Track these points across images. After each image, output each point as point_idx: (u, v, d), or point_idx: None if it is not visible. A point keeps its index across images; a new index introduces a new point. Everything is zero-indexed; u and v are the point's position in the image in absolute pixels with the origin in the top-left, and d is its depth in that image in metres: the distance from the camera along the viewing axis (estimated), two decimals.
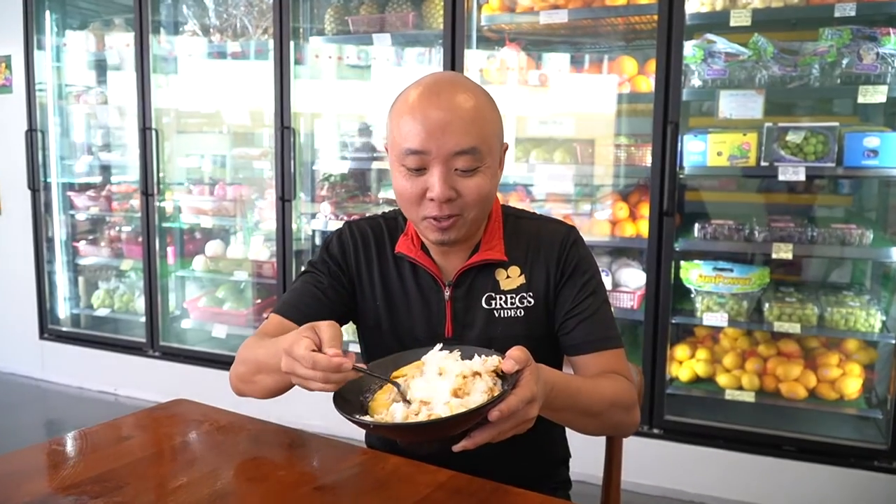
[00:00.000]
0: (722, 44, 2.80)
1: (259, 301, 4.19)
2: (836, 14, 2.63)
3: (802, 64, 2.72)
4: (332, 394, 1.09)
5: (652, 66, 2.92)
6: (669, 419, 2.94)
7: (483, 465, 1.24)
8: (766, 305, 2.89)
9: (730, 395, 2.94)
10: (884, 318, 2.80)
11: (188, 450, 1.27)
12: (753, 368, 2.95)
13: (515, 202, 3.27)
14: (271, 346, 1.22)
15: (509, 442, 1.05)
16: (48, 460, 1.23)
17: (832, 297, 2.95)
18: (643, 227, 3.01)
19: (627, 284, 3.13)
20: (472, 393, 1.04)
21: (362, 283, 1.43)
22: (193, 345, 4.19)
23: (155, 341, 4.18)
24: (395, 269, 1.42)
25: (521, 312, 1.37)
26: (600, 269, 1.49)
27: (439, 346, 1.16)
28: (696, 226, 2.93)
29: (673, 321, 2.96)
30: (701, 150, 2.84)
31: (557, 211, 3.26)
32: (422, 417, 1.02)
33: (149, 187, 4.01)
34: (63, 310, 4.69)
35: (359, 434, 1.20)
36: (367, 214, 1.52)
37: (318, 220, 3.73)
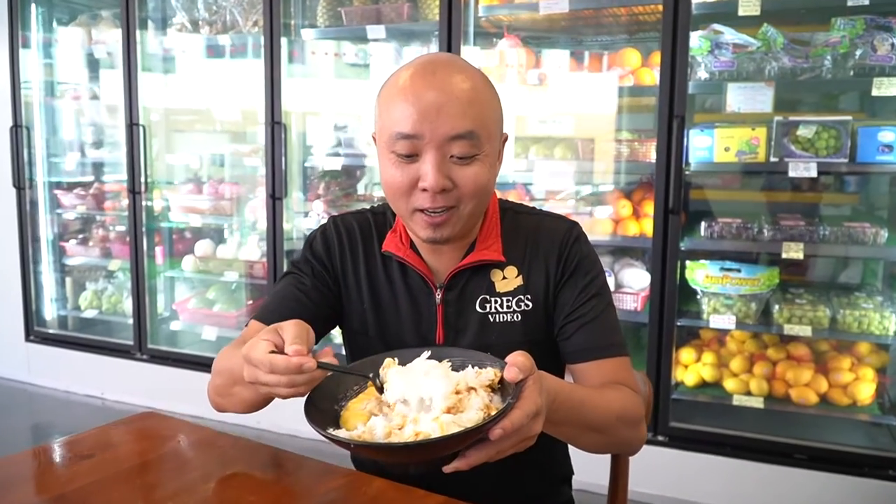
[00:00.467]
0: (730, 34, 2.68)
1: (251, 302, 4.08)
2: (849, 3, 2.52)
3: (814, 55, 2.61)
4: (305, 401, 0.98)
5: (656, 58, 2.80)
6: (675, 426, 2.83)
7: (477, 486, 1.12)
8: (776, 307, 2.78)
9: (737, 400, 2.82)
10: None
11: (150, 471, 1.14)
12: (762, 373, 2.83)
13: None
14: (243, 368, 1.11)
15: (507, 460, 0.93)
16: None
17: (844, 299, 2.84)
18: (647, 226, 2.89)
19: (631, 285, 3.01)
20: (467, 409, 0.92)
21: (348, 284, 1.31)
22: (183, 347, 4.08)
23: (143, 344, 4.06)
24: (382, 268, 1.30)
25: (517, 317, 1.25)
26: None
27: (426, 352, 1.03)
28: (703, 224, 2.81)
29: (678, 323, 2.84)
30: (707, 146, 2.72)
31: (557, 209, 3.13)
32: (408, 434, 0.90)
33: (136, 185, 3.89)
34: (50, 311, 4.58)
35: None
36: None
37: (310, 218, 3.61)
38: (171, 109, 4.15)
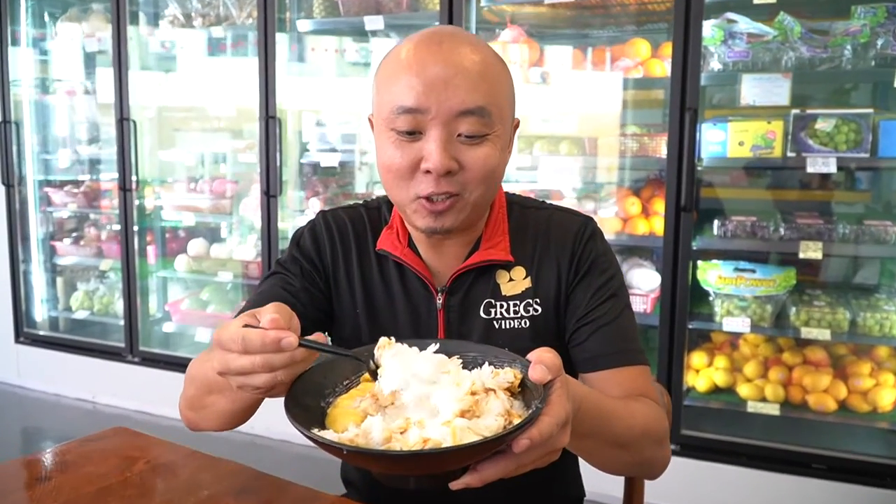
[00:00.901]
0: (744, 23, 2.55)
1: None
2: None
3: (833, 45, 2.48)
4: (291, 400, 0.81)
5: (666, 49, 2.68)
6: (686, 433, 2.70)
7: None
8: (793, 310, 2.65)
9: (752, 407, 2.69)
10: None
11: (108, 500, 1.02)
12: (777, 378, 2.70)
13: None
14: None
15: (515, 479, 0.79)
16: None
17: (863, 301, 2.71)
18: (657, 225, 2.77)
19: (640, 286, 2.88)
20: (484, 414, 0.76)
21: (339, 286, 1.18)
22: (176, 350, 3.96)
23: (134, 346, 3.94)
24: (377, 269, 1.17)
25: (525, 322, 1.12)
26: None
27: (434, 345, 0.87)
28: (716, 223, 2.68)
29: (689, 326, 2.71)
30: (721, 140, 2.59)
31: None
32: (414, 441, 0.73)
33: (126, 182, 3.77)
34: (40, 312, 4.46)
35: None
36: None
37: (307, 216, 3.48)
38: (164, 106, 4.03)
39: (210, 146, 4.03)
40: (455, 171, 1.00)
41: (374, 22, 3.12)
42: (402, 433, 0.74)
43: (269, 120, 3.27)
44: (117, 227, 3.98)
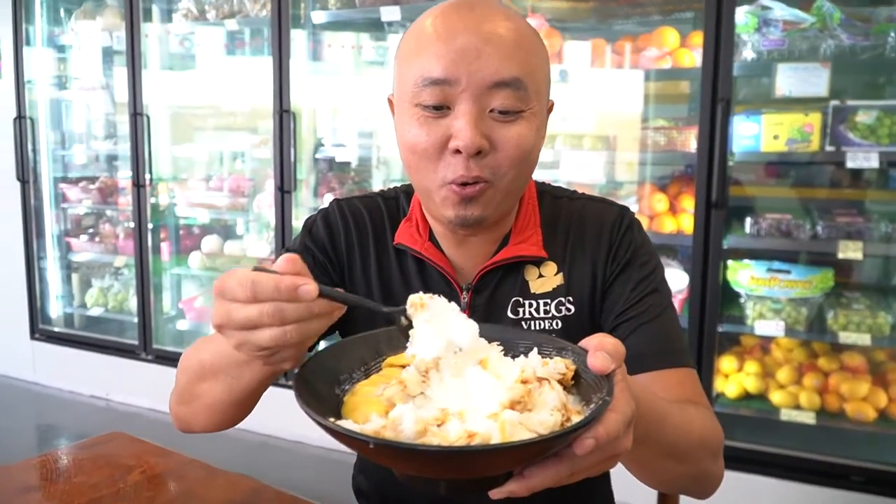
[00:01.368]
0: (780, 10, 2.43)
1: None
2: None
3: (875, 32, 2.36)
4: (300, 384, 0.66)
5: (696, 38, 2.56)
6: None
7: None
8: (830, 313, 2.52)
9: (785, 415, 2.57)
10: None
11: None
12: (813, 385, 2.58)
13: None
14: (220, 340, 0.87)
15: (542, 494, 0.66)
16: None
17: None
18: (685, 222, 2.65)
19: None
20: (537, 408, 0.63)
21: (354, 279, 1.07)
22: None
23: (148, 344, 3.88)
24: (396, 263, 1.07)
25: (557, 324, 1.02)
26: None
27: (475, 326, 0.71)
28: (748, 220, 2.56)
29: (718, 329, 2.59)
30: (754, 134, 2.47)
31: None
32: (455, 435, 0.59)
33: (140, 178, 3.71)
34: (55, 309, 4.43)
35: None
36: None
37: None
38: (180, 103, 3.98)
39: (225, 143, 3.96)
40: (486, 150, 0.90)
41: (390, 13, 3.02)
42: (439, 425, 0.61)
43: (283, 114, 3.19)
44: (132, 223, 3.93)
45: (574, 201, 1.08)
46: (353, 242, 1.08)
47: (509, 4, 2.96)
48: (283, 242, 3.33)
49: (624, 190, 2.95)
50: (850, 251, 2.37)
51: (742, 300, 2.64)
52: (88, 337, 4.18)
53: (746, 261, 2.61)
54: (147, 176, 3.72)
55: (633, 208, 2.71)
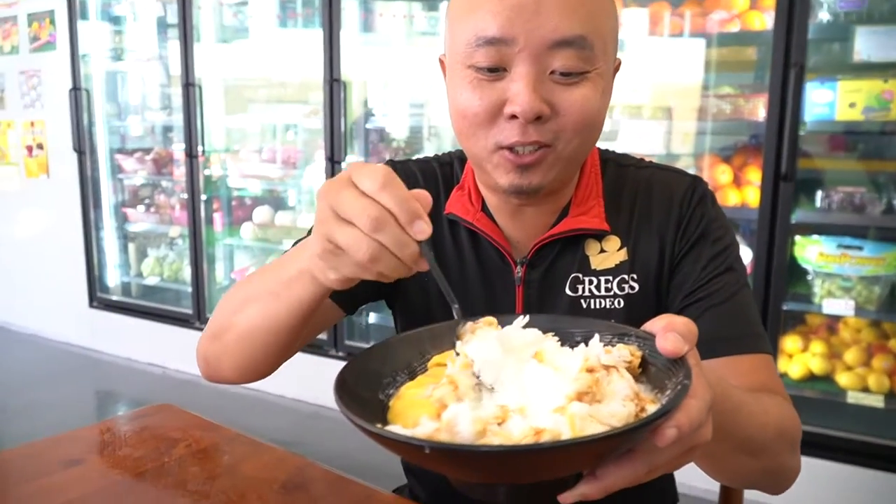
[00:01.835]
0: None
1: None
2: None
3: None
4: (339, 383, 0.61)
5: None
6: None
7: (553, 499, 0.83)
8: None
9: (852, 397, 2.45)
10: None
11: (139, 490, 0.91)
12: (883, 367, 2.45)
13: None
14: (276, 264, 0.84)
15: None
16: None
17: None
18: (750, 195, 2.53)
19: None
20: (607, 399, 0.56)
21: None
22: None
23: (201, 313, 3.92)
24: (449, 233, 1.00)
25: (619, 302, 0.95)
26: None
27: (523, 319, 0.67)
28: (819, 194, 2.42)
29: (784, 308, 2.48)
30: (828, 101, 2.33)
31: None
32: (520, 433, 0.53)
33: (193, 149, 3.72)
34: (113, 278, 4.52)
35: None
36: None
37: None
38: (233, 75, 3.97)
39: (277, 114, 3.94)
40: (546, 116, 0.82)
41: None
42: (499, 424, 0.55)
43: (334, 84, 3.14)
44: (186, 194, 3.96)
45: (641, 170, 1.00)
46: None
47: None
48: None
49: (682, 162, 2.83)
50: None
51: (809, 277, 2.52)
52: (145, 306, 4.25)
53: (815, 236, 2.48)
54: (200, 147, 3.73)
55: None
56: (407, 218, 0.61)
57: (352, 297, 0.99)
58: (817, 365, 2.54)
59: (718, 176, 2.62)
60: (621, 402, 0.55)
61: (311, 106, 3.59)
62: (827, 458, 2.41)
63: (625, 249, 0.95)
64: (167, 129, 4.29)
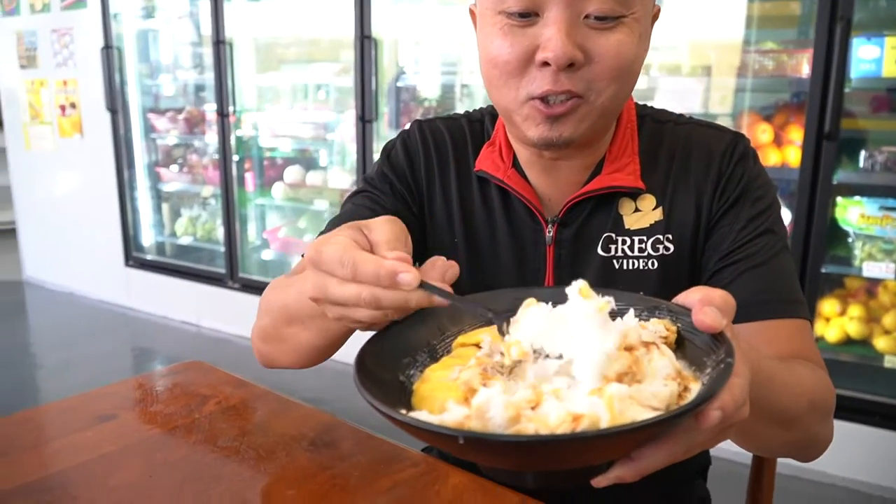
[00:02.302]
0: None
1: None
2: None
3: None
4: (365, 364, 0.61)
5: None
6: None
7: (589, 489, 0.82)
8: None
9: (890, 361, 2.41)
10: None
11: (170, 445, 0.91)
12: None
13: None
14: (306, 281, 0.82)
15: None
16: None
17: None
18: (791, 155, 2.46)
19: None
20: (648, 379, 0.53)
21: (435, 209, 0.99)
22: (274, 277, 3.94)
23: (234, 272, 3.96)
24: (478, 192, 0.98)
25: (653, 264, 0.92)
26: None
27: (571, 290, 0.62)
28: (862, 154, 2.35)
29: (822, 271, 2.42)
30: (875, 58, 2.24)
31: None
32: (557, 419, 0.49)
33: (224, 108, 3.72)
34: (147, 237, 4.57)
35: None
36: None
37: None
38: (264, 33, 3.93)
39: (308, 73, 3.92)
40: (580, 63, 0.78)
41: None
42: (533, 409, 0.51)
43: (364, 41, 3.10)
44: (212, 153, 3.97)
45: (680, 126, 0.96)
46: (434, 168, 1.00)
47: None
48: (363, 172, 3.29)
49: (721, 121, 2.75)
50: None
51: (850, 240, 2.46)
52: (179, 265, 4.30)
53: (857, 197, 2.42)
54: (231, 107, 3.73)
55: None
56: (390, 282, 0.60)
57: None
58: (855, 329, 2.49)
59: (759, 135, 2.55)
60: (663, 382, 0.52)
61: (342, 64, 3.56)
62: (862, 422, 2.37)
63: (660, 209, 0.92)
64: (199, 89, 4.28)
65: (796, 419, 0.76)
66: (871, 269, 2.40)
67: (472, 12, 0.91)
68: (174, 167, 4.45)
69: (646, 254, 0.92)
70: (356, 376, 0.57)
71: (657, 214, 0.92)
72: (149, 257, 4.47)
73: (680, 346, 0.59)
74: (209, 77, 3.87)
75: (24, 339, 4.15)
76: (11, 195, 5.07)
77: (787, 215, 2.48)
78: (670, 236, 0.92)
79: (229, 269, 3.98)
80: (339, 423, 0.97)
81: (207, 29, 3.80)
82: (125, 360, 3.84)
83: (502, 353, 0.59)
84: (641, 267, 0.92)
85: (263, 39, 3.93)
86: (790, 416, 0.75)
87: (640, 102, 0.99)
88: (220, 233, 4.15)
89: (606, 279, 0.91)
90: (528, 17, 0.79)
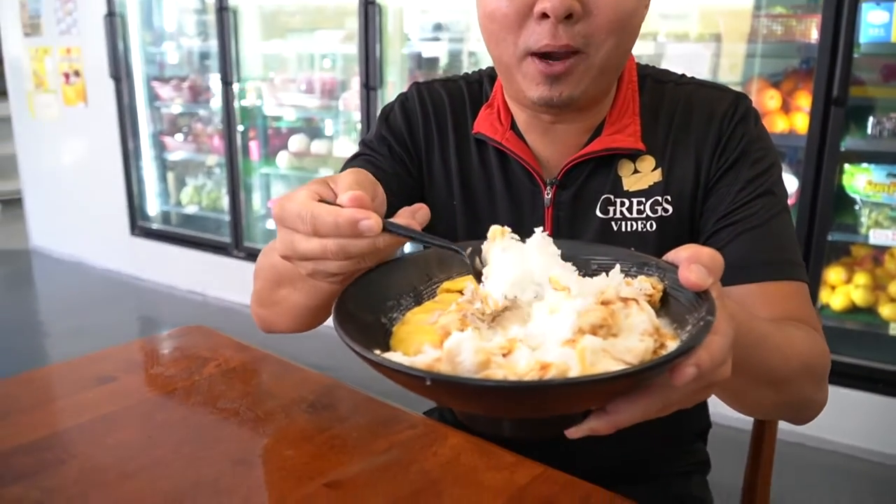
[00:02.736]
0: None
1: None
2: None
3: None
4: (348, 311, 0.60)
5: None
6: None
7: (585, 447, 0.81)
8: None
9: (895, 329, 2.39)
10: None
11: (170, 406, 0.92)
12: None
13: None
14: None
15: None
16: None
17: None
18: (799, 122, 2.43)
19: None
20: (624, 333, 0.52)
21: (433, 171, 0.99)
22: None
23: (239, 241, 3.96)
24: (477, 154, 0.97)
25: (651, 225, 0.91)
26: None
27: (539, 233, 0.62)
28: (870, 120, 2.32)
29: (829, 238, 2.40)
30: (884, 23, 2.20)
31: None
32: (525, 367, 0.49)
33: (228, 76, 3.69)
34: (153, 206, 4.57)
35: None
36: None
37: None
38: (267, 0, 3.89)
39: (312, 41, 3.88)
40: (578, 14, 0.77)
41: None
42: (504, 355, 0.51)
43: (368, 6, 3.06)
44: (216, 122, 3.95)
45: (681, 86, 0.94)
46: (432, 131, 0.99)
47: None
48: None
49: (732, 85, 2.72)
50: None
51: (856, 207, 2.44)
52: (184, 234, 4.30)
53: (865, 164, 2.39)
54: (235, 75, 3.70)
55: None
56: (352, 231, 0.57)
57: None
58: (860, 296, 2.48)
59: (767, 101, 2.52)
60: (638, 337, 0.51)
61: (347, 31, 3.52)
62: (867, 389, 2.37)
63: (660, 170, 0.91)
64: (203, 57, 4.25)
65: (788, 381, 0.76)
66: (877, 237, 2.38)
67: None
68: (179, 136, 4.44)
69: (644, 215, 0.91)
70: (334, 315, 0.57)
71: (656, 176, 0.91)
72: (154, 226, 4.48)
73: (665, 303, 0.58)
74: (213, 45, 3.83)
75: (31, 307, 4.18)
76: (17, 164, 5.07)
77: (793, 182, 2.46)
78: (669, 198, 0.91)
79: (234, 239, 3.98)
80: (339, 385, 0.97)
81: None
82: (132, 328, 3.86)
83: (482, 302, 0.58)
84: (640, 229, 0.91)
85: (268, 6, 3.89)
86: (781, 378, 0.75)
87: (641, 63, 0.97)
88: (225, 202, 4.14)
89: (605, 241, 0.90)
90: None
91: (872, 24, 2.22)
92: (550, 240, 0.61)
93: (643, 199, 0.91)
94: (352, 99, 3.51)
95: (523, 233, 0.83)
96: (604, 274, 0.60)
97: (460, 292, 0.63)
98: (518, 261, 0.59)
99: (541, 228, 0.62)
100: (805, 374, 0.77)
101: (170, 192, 4.57)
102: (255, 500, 0.72)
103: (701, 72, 2.66)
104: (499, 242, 0.61)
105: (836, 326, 2.51)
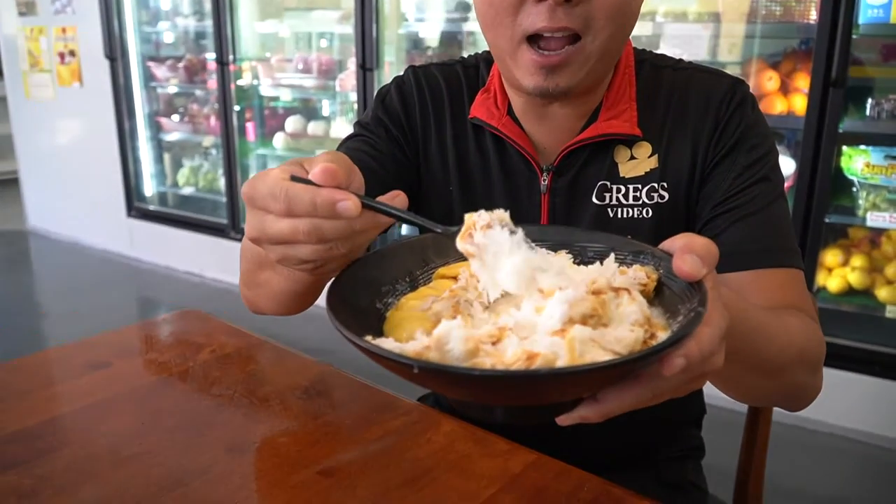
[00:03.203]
0: None
1: None
2: None
3: None
4: (339, 295, 0.58)
5: None
6: None
7: (578, 434, 0.82)
8: None
9: (891, 311, 2.40)
10: None
11: (163, 393, 0.92)
12: None
13: None
14: None
15: None
16: None
17: None
18: (797, 104, 2.41)
19: None
20: (614, 323, 0.52)
21: (430, 155, 0.98)
22: None
23: (236, 223, 3.95)
24: (473, 139, 0.96)
25: (647, 212, 0.90)
26: None
27: (531, 230, 0.61)
28: (869, 102, 2.31)
29: (826, 220, 2.40)
30: (882, 3, 2.18)
31: None
32: (512, 356, 0.49)
33: (223, 56, 3.66)
34: (149, 187, 4.56)
35: None
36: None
37: None
38: None
39: (309, 20, 3.84)
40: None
41: None
42: (493, 344, 0.50)
43: None
44: (212, 103, 3.93)
45: (678, 72, 0.93)
46: (429, 115, 0.98)
47: None
48: None
49: (728, 69, 2.69)
50: None
51: (854, 189, 2.43)
52: (181, 215, 4.29)
53: (863, 146, 2.38)
54: (231, 55, 3.67)
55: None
56: (329, 211, 0.54)
57: None
58: (857, 279, 2.48)
59: (765, 83, 2.50)
60: (629, 328, 0.51)
61: (344, 11, 3.49)
62: (863, 371, 2.38)
63: (656, 156, 0.90)
64: (199, 36, 4.21)
65: (783, 369, 0.75)
66: (875, 219, 2.37)
67: None
68: (175, 117, 4.41)
69: (640, 202, 0.90)
70: (327, 299, 0.56)
71: (652, 162, 0.90)
72: (151, 208, 4.47)
73: (659, 293, 0.58)
74: (209, 24, 3.80)
75: (28, 288, 4.18)
76: (13, 144, 5.05)
77: (791, 165, 2.45)
78: (665, 184, 0.90)
79: (231, 220, 3.97)
80: (334, 372, 0.97)
81: None
82: (129, 309, 3.86)
83: (476, 289, 0.58)
84: (636, 215, 0.91)
85: None
86: (776, 366, 0.74)
87: (638, 48, 0.96)
88: (222, 183, 4.13)
89: (601, 228, 0.90)
90: None
91: (871, 4, 2.20)
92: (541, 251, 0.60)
93: (639, 186, 0.90)
94: (348, 79, 3.48)
95: (520, 218, 0.82)
96: (599, 262, 0.59)
97: (455, 278, 0.63)
98: (505, 250, 0.58)
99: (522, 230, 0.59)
100: (800, 362, 0.77)
101: (166, 173, 4.55)
102: (249, 487, 0.72)
103: (699, 52, 2.64)
104: (481, 232, 0.58)
105: (833, 309, 2.51)
